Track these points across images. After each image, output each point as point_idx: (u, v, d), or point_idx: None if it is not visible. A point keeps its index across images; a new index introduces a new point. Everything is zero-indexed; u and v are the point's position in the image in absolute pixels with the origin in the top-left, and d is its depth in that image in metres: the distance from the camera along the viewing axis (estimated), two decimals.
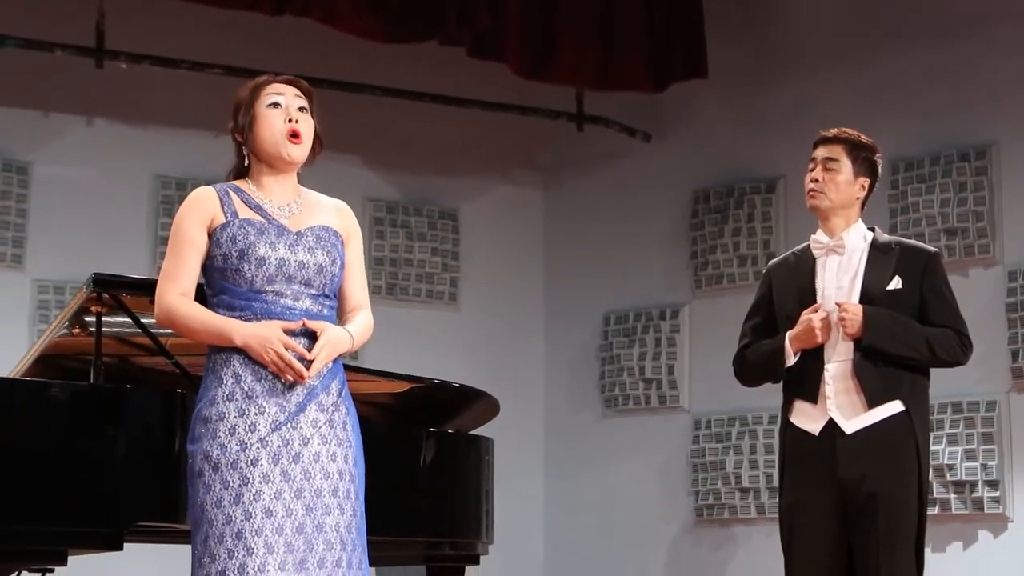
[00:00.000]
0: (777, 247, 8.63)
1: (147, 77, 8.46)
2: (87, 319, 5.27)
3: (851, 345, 5.00)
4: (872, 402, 4.95)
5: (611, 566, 9.20)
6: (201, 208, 4.06)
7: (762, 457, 8.63)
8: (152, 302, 5.17)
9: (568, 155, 9.75)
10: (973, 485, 7.86)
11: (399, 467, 5.53)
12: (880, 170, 5.26)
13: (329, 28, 8.17)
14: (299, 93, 4.13)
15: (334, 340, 4.00)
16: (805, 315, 5.02)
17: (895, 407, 4.96)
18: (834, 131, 5.21)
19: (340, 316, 4.16)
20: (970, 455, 7.88)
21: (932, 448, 7.78)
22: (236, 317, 3.97)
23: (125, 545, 4.85)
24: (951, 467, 7.89)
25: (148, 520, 4.86)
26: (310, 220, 4.09)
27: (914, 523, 4.92)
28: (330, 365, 4.00)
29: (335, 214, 4.15)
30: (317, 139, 4.14)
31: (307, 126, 4.10)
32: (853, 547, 4.94)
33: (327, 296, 4.05)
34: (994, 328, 7.88)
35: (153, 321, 5.22)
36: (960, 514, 7.89)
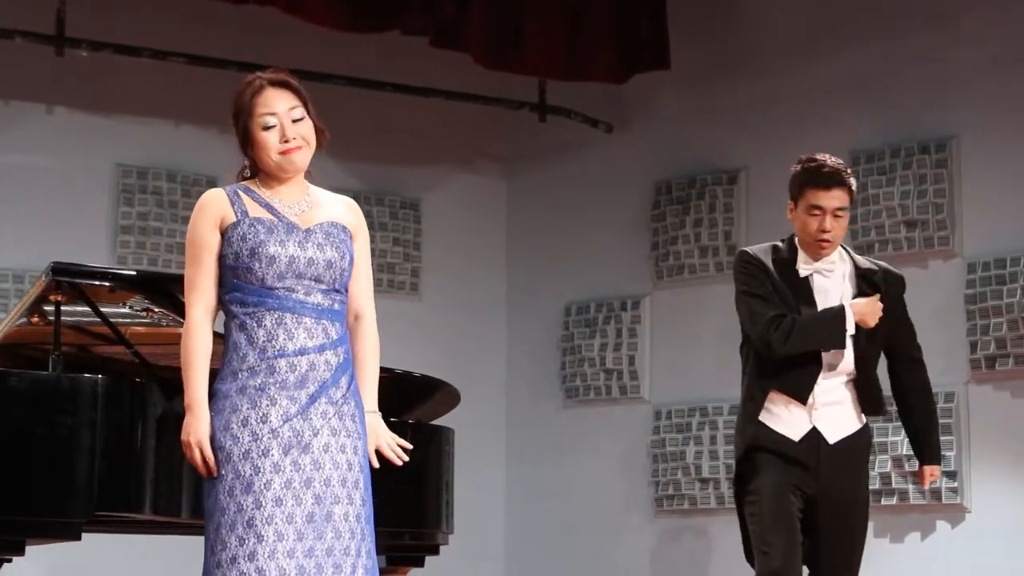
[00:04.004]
0: (738, 238, 8.65)
1: (108, 65, 8.42)
2: (46, 308, 5.26)
3: (850, 363, 5.15)
4: (864, 415, 5.22)
5: (572, 556, 9.22)
6: (211, 210, 4.12)
7: (722, 448, 8.66)
8: (112, 291, 5.19)
9: (530, 145, 9.76)
10: None
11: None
12: None
13: (292, 17, 8.16)
14: (291, 100, 4.15)
15: (379, 429, 4.24)
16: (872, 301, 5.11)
17: (860, 418, 5.23)
18: (829, 172, 5.19)
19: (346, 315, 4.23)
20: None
21: (891, 439, 7.90)
22: (249, 313, 4.04)
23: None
24: (909, 458, 7.91)
25: (108, 511, 4.85)
26: (319, 216, 4.15)
27: (867, 519, 5.28)
28: (341, 359, 4.09)
29: (344, 210, 4.23)
30: (320, 130, 4.18)
31: (307, 130, 4.15)
32: (817, 543, 5.16)
33: (338, 291, 4.13)
34: (953, 320, 7.93)
35: (112, 310, 5.23)
36: (918, 504, 7.94)
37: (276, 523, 3.94)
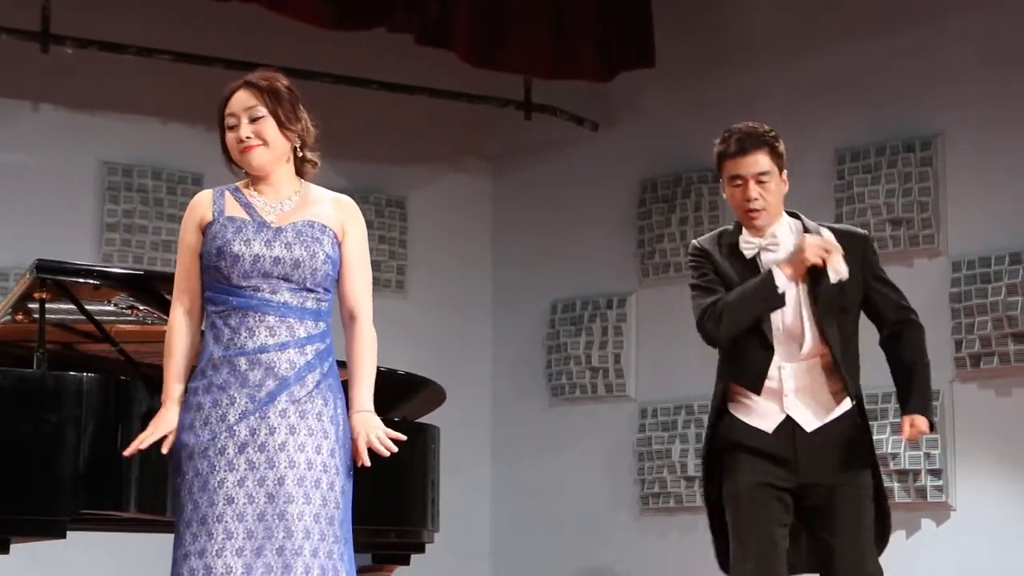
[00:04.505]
0: None
1: (94, 62, 8.43)
2: (31, 305, 5.26)
3: (814, 343, 4.77)
4: (848, 393, 4.79)
5: (557, 554, 9.24)
6: (194, 211, 4.20)
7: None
8: (96, 288, 5.19)
9: (516, 143, 9.78)
10: (916, 474, 7.94)
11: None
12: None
13: (277, 14, 8.17)
14: (250, 100, 4.16)
15: (369, 424, 4.16)
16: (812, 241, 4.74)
17: (845, 402, 4.82)
18: (741, 137, 4.82)
19: (342, 315, 4.25)
20: (913, 444, 7.93)
21: (877, 437, 7.89)
22: (218, 312, 4.09)
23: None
24: (894, 456, 7.96)
25: (93, 509, 4.85)
26: (298, 215, 4.16)
27: (873, 516, 4.87)
28: (310, 357, 4.09)
29: (332, 208, 4.23)
30: (295, 131, 4.19)
31: (266, 130, 4.15)
32: (816, 545, 4.81)
33: (311, 290, 4.12)
34: (938, 318, 7.91)
35: (96, 307, 5.23)
36: (903, 503, 7.95)
37: (226, 521, 3.96)
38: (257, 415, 4.01)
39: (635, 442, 9.04)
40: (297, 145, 4.22)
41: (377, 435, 4.14)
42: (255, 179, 4.19)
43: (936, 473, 7.90)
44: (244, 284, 4.06)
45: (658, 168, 9.14)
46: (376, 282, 9.97)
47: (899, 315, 4.91)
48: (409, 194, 9.61)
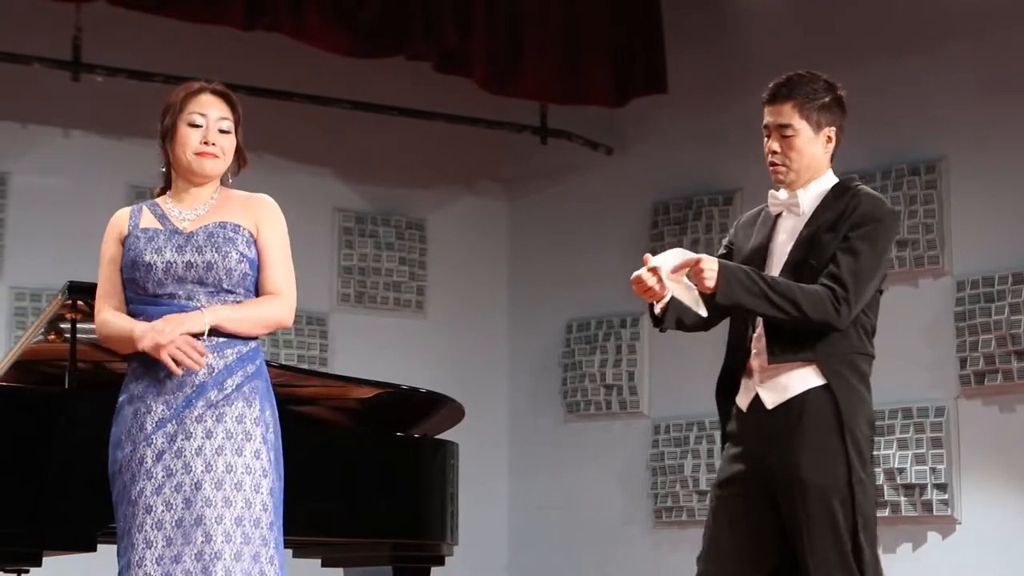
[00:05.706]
0: None
1: (122, 90, 8.51)
2: (62, 325, 5.32)
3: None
4: (774, 355, 4.25)
5: (573, 567, 9.31)
6: (114, 227, 4.22)
7: (719, 461, 8.75)
8: None
9: (532, 167, 9.86)
10: (922, 488, 8.00)
11: (367, 470, 5.61)
12: (845, 102, 4.53)
13: (299, 43, 8.27)
14: (224, 111, 4.19)
15: (175, 320, 4.00)
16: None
17: (811, 379, 4.23)
18: (779, 83, 4.43)
19: None
20: (920, 459, 8.01)
21: (884, 452, 7.95)
22: None
23: None
24: (901, 471, 8.01)
25: None
26: (212, 218, 4.13)
27: (841, 514, 4.22)
28: (230, 361, 4.05)
29: (244, 207, 4.17)
30: (241, 153, 4.22)
31: (228, 144, 4.17)
32: (790, 537, 4.29)
33: (230, 291, 4.07)
34: (943, 337, 8.02)
35: None
36: (910, 516, 8.02)
37: (145, 530, 3.93)
38: (174, 422, 3.97)
39: (648, 457, 9.11)
40: (232, 171, 4.23)
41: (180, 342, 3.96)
42: (177, 188, 4.19)
43: (942, 487, 7.96)
44: (160, 292, 4.04)
45: (670, 191, 9.20)
46: (396, 302, 10.10)
47: (827, 280, 4.25)
48: (428, 217, 9.69)
